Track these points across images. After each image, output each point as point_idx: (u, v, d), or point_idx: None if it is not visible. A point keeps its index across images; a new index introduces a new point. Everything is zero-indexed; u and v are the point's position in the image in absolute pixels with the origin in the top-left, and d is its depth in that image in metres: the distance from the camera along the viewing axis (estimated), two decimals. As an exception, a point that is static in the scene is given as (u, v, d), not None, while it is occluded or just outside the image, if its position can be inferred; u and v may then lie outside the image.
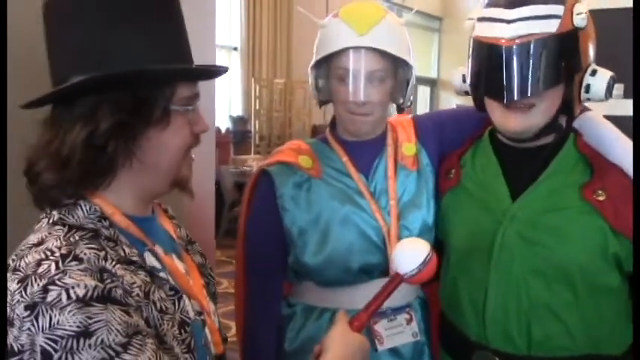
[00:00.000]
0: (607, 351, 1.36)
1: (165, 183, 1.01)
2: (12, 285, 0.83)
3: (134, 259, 0.93)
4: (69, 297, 0.79)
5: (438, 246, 1.47)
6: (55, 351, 0.78)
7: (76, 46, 0.92)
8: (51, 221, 0.92)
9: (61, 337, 0.78)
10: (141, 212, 1.01)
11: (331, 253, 1.49)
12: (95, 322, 0.79)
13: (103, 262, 0.86)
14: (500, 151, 1.49)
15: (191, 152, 1.03)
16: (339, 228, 1.50)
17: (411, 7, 9.53)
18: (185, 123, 0.99)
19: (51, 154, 0.91)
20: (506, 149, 1.47)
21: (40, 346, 0.78)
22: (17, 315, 0.81)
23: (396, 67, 1.52)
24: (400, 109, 1.63)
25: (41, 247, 0.87)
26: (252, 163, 7.09)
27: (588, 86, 1.37)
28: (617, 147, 1.39)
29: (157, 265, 0.97)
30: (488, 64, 1.37)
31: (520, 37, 1.31)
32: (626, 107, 2.38)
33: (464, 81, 1.51)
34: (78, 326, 0.78)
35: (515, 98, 1.33)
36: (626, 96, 2.69)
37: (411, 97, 1.60)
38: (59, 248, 0.85)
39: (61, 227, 0.90)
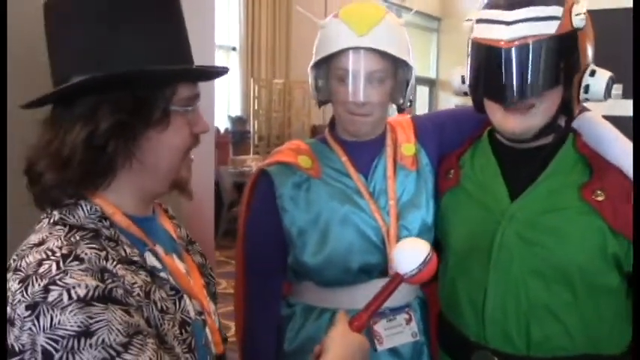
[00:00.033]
0: (606, 351, 1.37)
1: (164, 183, 1.01)
2: (13, 285, 0.83)
3: (135, 259, 0.93)
4: (70, 297, 0.80)
5: (437, 246, 1.48)
6: (56, 351, 0.78)
7: (76, 46, 0.92)
8: (52, 221, 0.92)
9: (62, 337, 0.78)
10: (141, 212, 1.01)
11: (331, 253, 1.49)
12: (96, 322, 0.80)
13: (104, 262, 0.86)
14: (499, 151, 1.49)
15: (190, 153, 1.04)
16: (339, 228, 1.50)
17: (410, 8, 9.54)
18: (185, 123, 0.99)
19: (51, 154, 0.91)
20: (505, 150, 1.48)
21: (41, 345, 0.79)
22: (18, 315, 0.81)
23: (395, 68, 1.52)
24: (400, 110, 1.64)
25: (42, 247, 0.87)
26: (251, 163, 7.08)
27: (587, 87, 1.37)
28: (616, 147, 1.39)
29: (158, 265, 0.97)
30: (488, 66, 1.37)
31: (519, 38, 1.31)
32: (624, 107, 2.38)
33: (463, 82, 1.51)
34: (79, 326, 0.79)
35: (515, 100, 1.33)
36: (624, 96, 2.70)
37: (412, 97, 1.60)
38: (60, 248, 0.86)
39: (62, 227, 0.90)
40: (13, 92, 1.19)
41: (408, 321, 1.54)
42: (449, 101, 10.56)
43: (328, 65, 1.52)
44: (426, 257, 1.20)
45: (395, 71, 1.52)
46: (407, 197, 1.56)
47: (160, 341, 0.88)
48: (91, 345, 0.79)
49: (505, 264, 1.37)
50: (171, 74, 0.97)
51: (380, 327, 1.50)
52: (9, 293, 0.83)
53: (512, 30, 1.31)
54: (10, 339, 0.81)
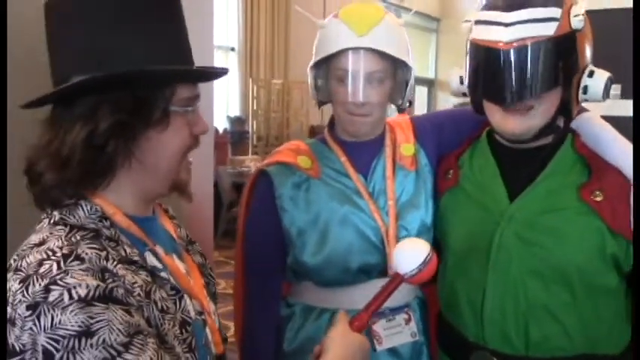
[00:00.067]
0: (605, 351, 1.37)
1: (164, 184, 1.01)
2: (14, 285, 0.83)
3: (135, 258, 0.93)
4: (71, 297, 0.80)
5: (436, 246, 1.48)
6: (57, 351, 0.78)
7: (76, 46, 0.93)
8: (52, 221, 0.92)
9: (63, 337, 0.78)
10: (142, 212, 1.02)
11: (330, 253, 1.49)
12: (97, 321, 0.80)
13: (105, 261, 0.87)
14: (498, 151, 1.49)
15: (189, 156, 1.04)
16: (338, 228, 1.50)
17: (409, 8, 9.54)
18: (185, 124, 0.99)
19: (51, 154, 0.91)
20: (503, 150, 1.48)
21: (42, 345, 0.79)
22: (19, 315, 0.81)
23: (395, 68, 1.52)
24: (401, 110, 1.64)
25: (43, 247, 0.87)
26: (250, 163, 7.08)
27: (586, 87, 1.37)
28: (615, 148, 1.39)
29: (158, 265, 0.97)
30: (487, 68, 1.37)
31: (518, 40, 1.31)
32: (623, 107, 2.39)
33: (461, 82, 1.51)
34: (80, 326, 0.79)
35: (514, 101, 1.33)
36: (623, 96, 2.70)
37: (411, 98, 1.60)
38: (61, 248, 0.86)
39: (63, 227, 0.90)
40: (13, 92, 1.19)
41: (408, 321, 1.54)
42: (447, 101, 10.54)
43: (328, 65, 1.52)
44: (426, 257, 1.21)
45: (394, 72, 1.52)
46: (406, 197, 1.56)
47: (160, 341, 0.88)
48: (91, 345, 0.79)
49: (504, 264, 1.37)
50: (170, 75, 0.97)
51: (379, 327, 1.50)
52: (10, 293, 0.83)
53: (510, 31, 1.31)
54: (11, 339, 0.81)
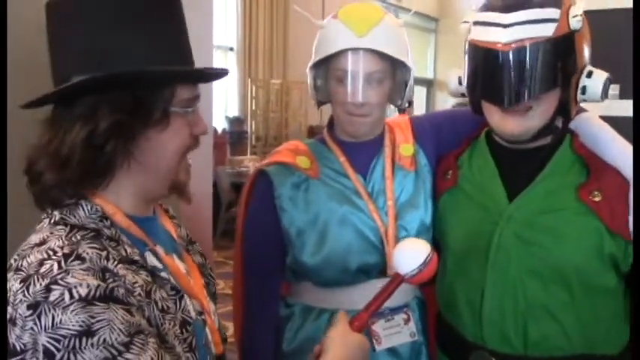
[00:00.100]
0: (603, 351, 1.37)
1: (164, 184, 1.01)
2: (14, 284, 0.84)
3: (135, 258, 0.93)
4: (72, 296, 0.80)
5: (435, 246, 1.48)
6: (58, 350, 0.78)
7: (77, 46, 0.93)
8: (52, 221, 0.92)
9: (64, 337, 0.78)
10: (142, 212, 1.02)
11: (329, 253, 1.49)
12: (98, 321, 0.80)
13: (105, 261, 0.87)
14: (497, 152, 1.50)
15: (188, 157, 1.04)
16: (337, 228, 1.50)
17: (407, 8, 9.55)
18: (184, 125, 0.99)
19: (50, 154, 0.92)
20: (502, 150, 1.48)
21: (43, 345, 0.79)
22: (20, 314, 0.81)
23: (394, 69, 1.52)
24: (401, 110, 1.64)
25: (43, 246, 0.87)
26: (249, 163, 7.08)
27: (584, 88, 1.37)
28: (613, 148, 1.39)
29: (158, 265, 0.98)
30: (485, 69, 1.37)
31: (516, 41, 1.31)
32: (621, 108, 2.39)
33: (460, 83, 1.51)
34: (80, 325, 0.79)
35: (513, 102, 1.33)
36: (621, 96, 2.71)
37: (411, 98, 1.60)
38: (61, 248, 0.86)
39: (63, 227, 0.91)
40: (13, 92, 1.19)
41: (407, 321, 1.54)
42: (446, 101, 10.55)
43: (327, 66, 1.52)
44: (427, 257, 1.21)
45: (394, 72, 1.53)
46: (405, 197, 1.56)
47: (160, 341, 0.88)
48: (92, 344, 0.79)
49: (503, 264, 1.37)
50: (170, 75, 0.97)
51: (378, 327, 1.51)
52: (10, 293, 0.83)
53: (509, 32, 1.31)
54: (12, 338, 0.81)
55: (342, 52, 1.46)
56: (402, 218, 1.53)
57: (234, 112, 7.99)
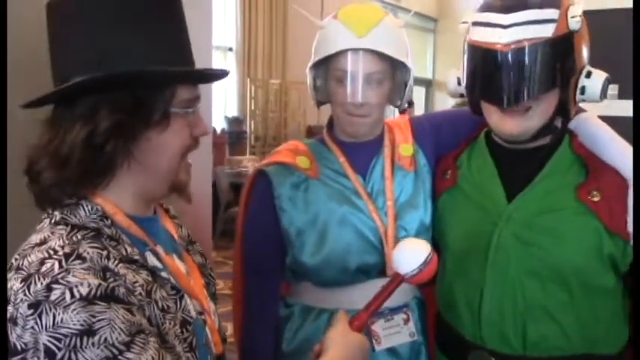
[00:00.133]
0: (602, 351, 1.37)
1: (164, 185, 1.01)
2: (15, 284, 0.84)
3: (136, 258, 0.93)
4: (72, 295, 0.80)
5: (435, 246, 1.48)
6: (59, 349, 0.78)
7: (77, 46, 0.93)
8: (53, 221, 0.92)
9: (65, 336, 0.78)
10: (142, 212, 1.02)
11: (329, 253, 1.49)
12: (98, 320, 0.80)
13: (106, 261, 0.87)
14: (496, 152, 1.50)
15: (188, 157, 1.04)
16: (337, 228, 1.50)
17: (406, 8, 9.55)
18: (185, 125, 0.99)
19: (50, 153, 0.92)
20: (501, 150, 1.48)
21: (44, 344, 0.79)
22: (21, 314, 0.81)
23: (394, 69, 1.52)
24: (402, 111, 1.64)
25: (44, 246, 0.87)
26: (248, 163, 7.08)
27: (583, 88, 1.37)
28: (612, 148, 1.40)
29: (159, 264, 0.98)
30: (485, 69, 1.38)
31: (515, 42, 1.31)
32: (620, 108, 2.40)
33: (459, 83, 1.51)
34: (81, 325, 0.79)
35: (512, 103, 1.33)
36: (620, 96, 2.71)
37: (410, 99, 1.60)
38: (62, 247, 0.86)
39: (64, 227, 0.91)
40: (13, 92, 1.19)
41: (406, 321, 1.54)
42: (445, 102, 10.56)
43: (327, 66, 1.53)
44: (427, 257, 1.21)
45: (393, 73, 1.53)
46: (405, 198, 1.56)
47: (161, 340, 0.89)
48: (93, 344, 0.79)
49: (502, 264, 1.38)
50: (170, 75, 0.97)
51: (378, 327, 1.51)
52: (11, 292, 0.83)
53: (508, 33, 1.31)
54: (13, 338, 0.81)
55: (341, 53, 1.46)
56: (401, 218, 1.53)
57: (233, 112, 7.98)
